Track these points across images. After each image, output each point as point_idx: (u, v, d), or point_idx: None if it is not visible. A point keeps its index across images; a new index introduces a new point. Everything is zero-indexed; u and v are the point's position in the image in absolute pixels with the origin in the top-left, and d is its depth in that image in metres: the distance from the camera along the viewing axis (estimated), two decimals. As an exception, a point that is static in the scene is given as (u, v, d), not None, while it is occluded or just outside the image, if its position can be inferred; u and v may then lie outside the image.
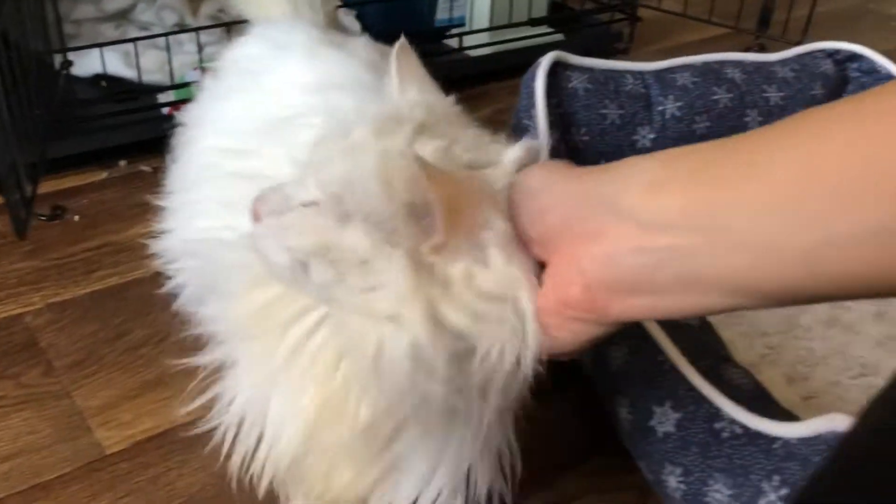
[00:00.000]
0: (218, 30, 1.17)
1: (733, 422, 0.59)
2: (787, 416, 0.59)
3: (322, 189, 0.45)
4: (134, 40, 1.08)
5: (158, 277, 0.85)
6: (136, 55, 1.09)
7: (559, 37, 1.42)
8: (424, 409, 0.47)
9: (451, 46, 1.35)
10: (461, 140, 0.47)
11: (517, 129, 0.77)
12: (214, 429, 0.58)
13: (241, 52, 0.78)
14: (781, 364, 0.79)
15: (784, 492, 0.52)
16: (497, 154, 0.47)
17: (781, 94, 0.90)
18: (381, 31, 1.25)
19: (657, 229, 0.38)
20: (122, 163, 1.08)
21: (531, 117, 0.76)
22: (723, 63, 0.90)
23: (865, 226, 0.33)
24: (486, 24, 1.35)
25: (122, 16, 1.26)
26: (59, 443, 0.69)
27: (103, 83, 1.10)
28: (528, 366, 0.45)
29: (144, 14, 1.26)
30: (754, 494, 0.54)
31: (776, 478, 0.53)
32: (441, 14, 1.39)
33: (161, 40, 1.10)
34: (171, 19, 1.25)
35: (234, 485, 0.58)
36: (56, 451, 0.68)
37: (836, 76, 0.94)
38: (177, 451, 0.68)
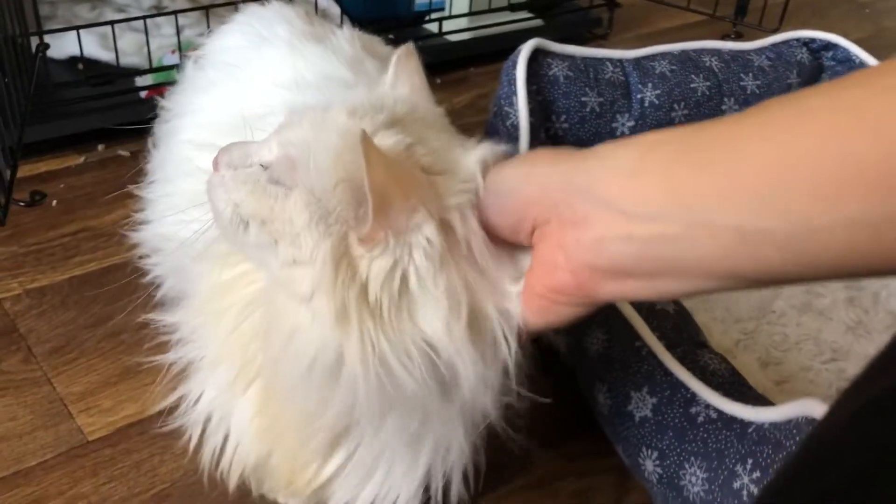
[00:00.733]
0: (196, 12, 1.16)
1: (708, 406, 0.60)
2: (761, 401, 0.60)
3: (281, 149, 0.46)
4: (112, 23, 1.07)
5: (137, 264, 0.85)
6: (114, 38, 1.08)
7: (539, 22, 1.42)
8: (333, 411, 0.47)
9: (430, 31, 1.34)
10: (428, 143, 0.47)
11: (497, 115, 0.78)
12: (184, 425, 0.59)
13: (222, 43, 0.77)
14: (755, 349, 0.80)
15: (756, 475, 0.54)
16: (455, 164, 0.46)
17: (758, 82, 0.92)
18: (361, 16, 1.26)
19: (640, 218, 0.39)
20: (100, 147, 1.07)
21: (511, 104, 0.77)
22: (700, 51, 0.91)
23: (840, 216, 0.34)
24: (465, 10, 1.35)
25: (98, -3, 1.24)
26: (40, 429, 0.69)
27: (80, 66, 1.08)
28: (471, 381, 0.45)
29: (120, -4, 1.24)
30: (728, 478, 0.55)
31: (749, 461, 0.54)
32: (421, -1, 1.39)
33: (138, 23, 1.08)
34: (147, 1, 1.24)
35: (205, 479, 0.58)
36: (37, 437, 0.68)
37: (811, 65, 0.95)
38: (159, 438, 0.68)
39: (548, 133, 0.81)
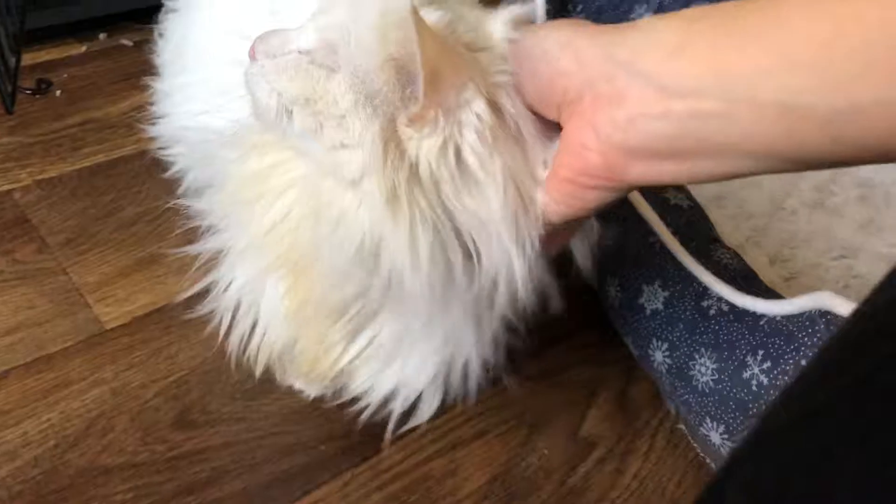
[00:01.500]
0: None
1: (720, 299, 0.61)
2: (773, 294, 0.61)
3: (319, 34, 0.45)
4: None
5: (145, 155, 0.84)
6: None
7: None
8: (370, 296, 0.47)
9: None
10: (466, 19, 0.46)
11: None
12: (212, 312, 0.60)
13: None
14: (765, 246, 0.81)
15: (767, 365, 0.55)
16: (494, 41, 0.45)
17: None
18: None
19: (680, 95, 0.38)
20: (102, 35, 1.04)
21: (527, -7, 0.75)
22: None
23: (889, 93, 0.33)
24: None
25: None
26: (58, 317, 0.70)
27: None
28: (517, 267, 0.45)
29: None
30: (738, 368, 0.56)
31: (760, 352, 0.55)
32: None
33: None
34: None
35: (232, 364, 0.60)
36: (56, 325, 0.69)
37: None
38: (176, 327, 0.69)
39: (564, 24, 0.79)
